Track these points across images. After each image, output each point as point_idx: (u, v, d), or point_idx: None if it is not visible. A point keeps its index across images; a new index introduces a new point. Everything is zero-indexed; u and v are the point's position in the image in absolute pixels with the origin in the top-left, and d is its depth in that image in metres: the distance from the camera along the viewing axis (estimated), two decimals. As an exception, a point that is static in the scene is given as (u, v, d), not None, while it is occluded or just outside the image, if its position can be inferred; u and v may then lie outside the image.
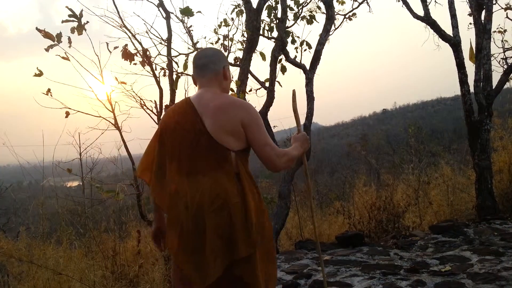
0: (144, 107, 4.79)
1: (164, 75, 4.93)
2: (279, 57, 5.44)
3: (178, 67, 4.98)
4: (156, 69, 4.86)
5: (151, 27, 4.82)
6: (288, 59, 5.53)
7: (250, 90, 5.38)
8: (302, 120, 5.24)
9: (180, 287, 1.83)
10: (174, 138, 1.82)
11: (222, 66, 1.94)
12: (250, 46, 5.17)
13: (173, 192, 1.77)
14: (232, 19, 5.53)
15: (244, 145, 1.80)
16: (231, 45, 5.49)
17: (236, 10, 5.55)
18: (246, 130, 1.77)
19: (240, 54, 5.46)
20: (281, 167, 1.81)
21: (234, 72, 5.24)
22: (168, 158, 1.84)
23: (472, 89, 5.67)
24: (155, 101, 4.89)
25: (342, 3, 6.16)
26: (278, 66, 5.45)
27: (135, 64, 4.72)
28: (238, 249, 1.68)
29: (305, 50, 5.78)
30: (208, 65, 1.92)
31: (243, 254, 1.69)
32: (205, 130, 1.75)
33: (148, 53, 4.76)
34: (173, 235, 1.77)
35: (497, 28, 6.29)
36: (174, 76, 4.90)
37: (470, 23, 5.89)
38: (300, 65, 5.52)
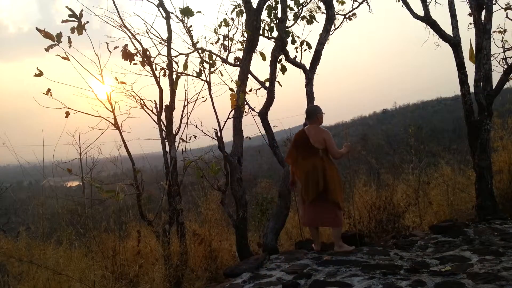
0: (144, 107, 4.79)
1: (164, 75, 4.93)
2: (279, 57, 5.43)
3: (178, 67, 4.99)
4: (156, 69, 4.87)
5: (151, 27, 4.83)
6: (288, 59, 5.53)
7: (250, 90, 5.38)
8: (302, 120, 5.29)
9: (301, 204, 4.55)
10: (299, 145, 4.46)
11: (316, 114, 4.49)
12: (250, 46, 5.16)
13: (299, 165, 4.45)
14: (232, 19, 5.53)
15: (324, 147, 4.34)
16: (231, 45, 5.50)
17: (236, 10, 5.54)
18: (325, 141, 4.33)
19: (240, 54, 5.47)
20: (339, 157, 4.43)
21: (234, 72, 5.25)
22: (297, 153, 4.48)
23: (472, 89, 5.67)
24: (155, 101, 4.89)
25: (342, 3, 6.15)
26: (278, 66, 5.45)
27: (135, 64, 4.73)
28: (319, 187, 4.25)
29: (305, 50, 5.78)
30: (312, 113, 4.52)
31: (321, 189, 4.25)
32: (310, 142, 4.37)
33: (148, 53, 4.77)
34: (301, 182, 4.42)
35: (497, 28, 6.29)
36: (174, 76, 4.91)
37: (470, 23, 5.89)
38: (300, 65, 5.52)
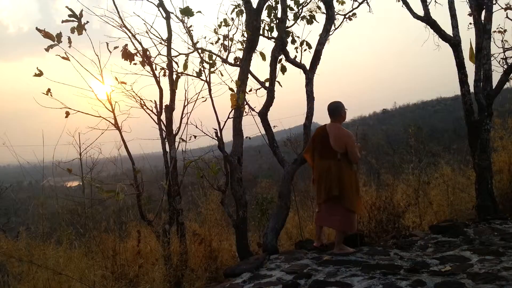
0: (144, 107, 4.79)
1: (164, 75, 4.93)
2: (279, 57, 5.43)
3: (178, 67, 4.98)
4: (156, 69, 4.86)
5: (151, 27, 4.83)
6: (288, 59, 5.52)
7: (250, 90, 5.37)
8: (302, 120, 5.30)
9: (318, 205, 4.50)
10: (317, 143, 4.43)
11: (340, 111, 4.39)
12: (250, 46, 5.16)
13: (315, 164, 4.44)
14: (232, 19, 5.53)
15: (344, 151, 4.21)
16: (231, 45, 5.49)
17: (236, 10, 5.54)
18: (346, 145, 4.19)
19: (240, 54, 5.46)
20: (357, 159, 4.29)
21: (234, 72, 5.24)
22: (314, 150, 4.48)
23: (472, 89, 5.67)
24: (155, 101, 4.89)
25: (342, 3, 6.14)
26: (278, 66, 5.44)
27: (135, 64, 4.72)
28: (332, 191, 4.17)
29: (305, 50, 5.77)
30: (335, 110, 4.40)
31: (335, 194, 4.15)
32: (329, 142, 4.26)
33: (148, 53, 4.76)
34: (315, 180, 4.41)
35: (497, 28, 6.29)
36: (174, 76, 4.90)
37: (470, 23, 5.89)
38: (300, 65, 5.51)
